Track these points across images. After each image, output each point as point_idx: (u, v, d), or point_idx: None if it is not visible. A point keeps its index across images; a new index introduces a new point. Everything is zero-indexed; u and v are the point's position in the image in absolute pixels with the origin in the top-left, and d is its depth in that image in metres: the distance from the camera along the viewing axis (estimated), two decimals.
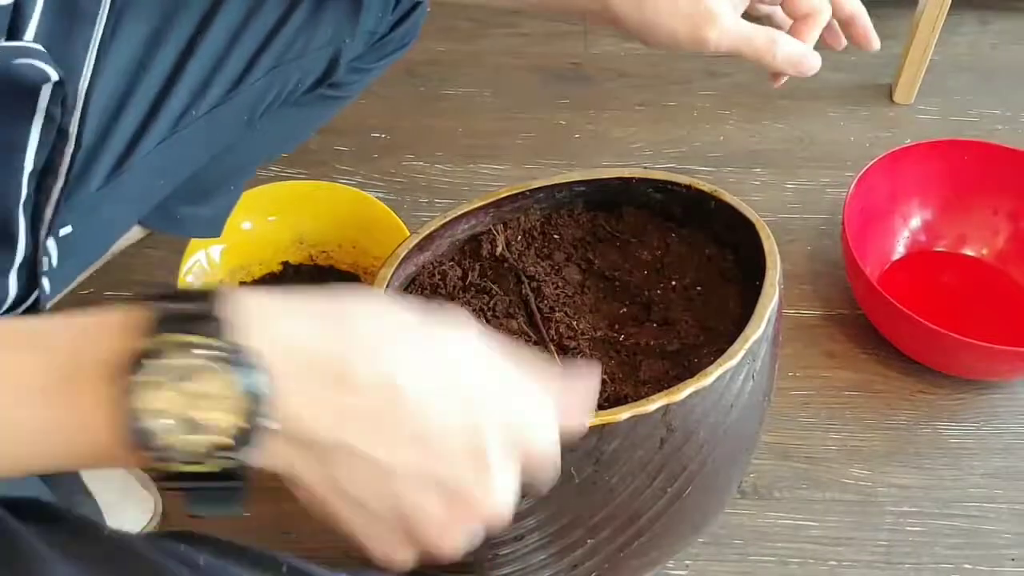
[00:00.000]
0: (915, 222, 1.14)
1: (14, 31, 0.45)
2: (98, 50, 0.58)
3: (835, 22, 0.71)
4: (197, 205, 0.76)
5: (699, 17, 0.62)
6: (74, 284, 0.73)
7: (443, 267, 0.79)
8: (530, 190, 0.80)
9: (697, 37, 0.63)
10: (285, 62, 0.67)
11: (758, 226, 0.76)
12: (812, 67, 0.66)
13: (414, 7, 0.73)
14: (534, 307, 0.77)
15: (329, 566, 0.90)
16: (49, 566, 0.42)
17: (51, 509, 0.49)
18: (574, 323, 0.76)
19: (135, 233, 0.76)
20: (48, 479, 0.79)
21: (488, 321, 0.76)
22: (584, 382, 0.47)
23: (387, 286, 0.74)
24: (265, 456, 0.40)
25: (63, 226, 0.59)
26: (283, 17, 0.65)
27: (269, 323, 0.40)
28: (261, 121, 0.69)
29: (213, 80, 0.64)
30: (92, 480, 0.85)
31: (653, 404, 0.65)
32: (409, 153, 1.24)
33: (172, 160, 0.65)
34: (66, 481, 0.84)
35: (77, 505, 0.83)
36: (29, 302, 0.57)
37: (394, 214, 0.96)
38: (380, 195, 0.99)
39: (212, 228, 0.81)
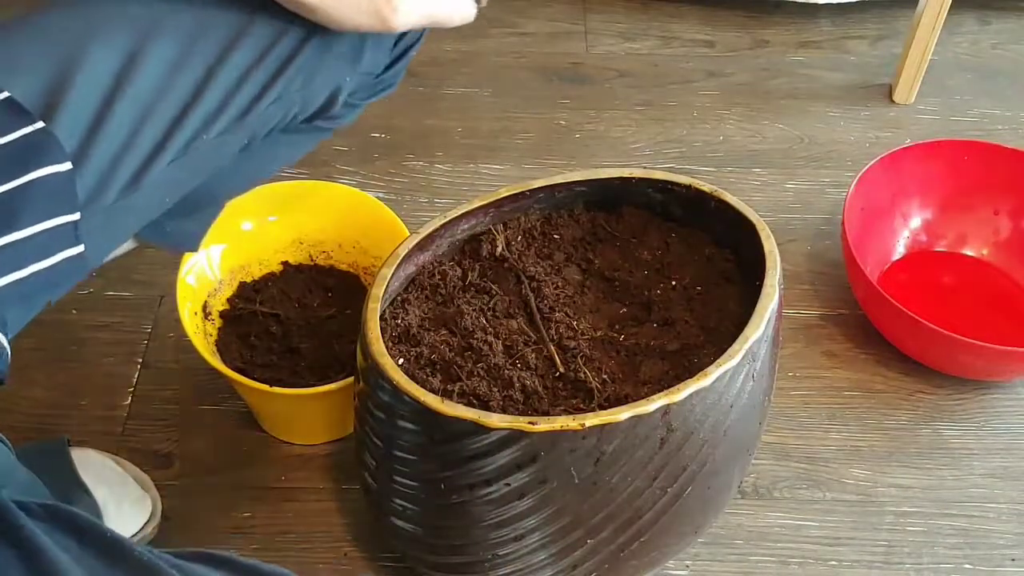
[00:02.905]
0: (915, 222, 1.14)
1: None
2: (119, 73, 0.61)
3: None
4: (183, 219, 0.79)
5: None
6: None
7: (443, 267, 0.79)
8: (530, 190, 0.80)
9: (383, 25, 0.66)
10: (289, 93, 0.70)
11: (758, 226, 0.76)
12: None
13: (403, 53, 0.78)
14: (534, 307, 0.77)
15: (329, 566, 0.90)
16: None
17: (78, 519, 0.49)
18: (574, 323, 0.76)
19: (124, 246, 0.79)
20: (47, 478, 0.79)
21: (488, 321, 0.76)
22: None
23: (387, 285, 0.74)
24: None
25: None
26: (294, 53, 0.68)
27: None
28: (255, 146, 0.72)
29: (226, 108, 0.67)
30: (90, 480, 0.85)
31: (653, 404, 0.65)
32: (409, 153, 1.24)
33: (179, 180, 0.68)
34: (64, 480, 0.84)
35: (74, 504, 0.83)
36: None
37: (394, 214, 0.96)
38: (380, 195, 0.99)
39: (193, 242, 0.84)
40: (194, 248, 0.86)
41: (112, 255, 0.73)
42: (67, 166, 0.58)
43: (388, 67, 0.77)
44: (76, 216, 0.59)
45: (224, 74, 0.66)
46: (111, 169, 0.62)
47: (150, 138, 0.64)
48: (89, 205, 0.61)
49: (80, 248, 0.60)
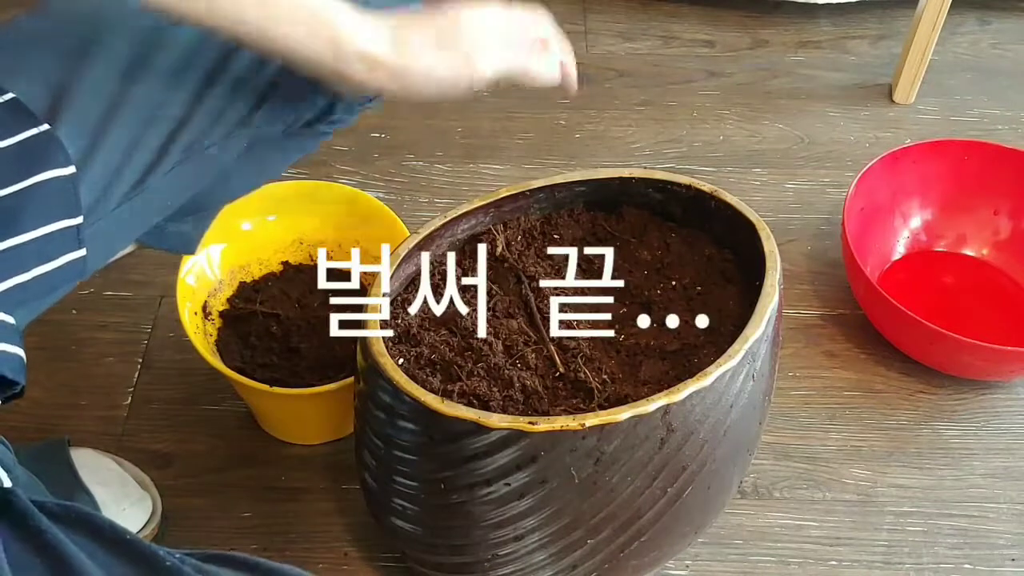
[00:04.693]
0: (915, 222, 1.14)
1: None
2: (123, 79, 0.62)
3: None
4: (183, 222, 0.79)
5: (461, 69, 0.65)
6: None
7: (443, 267, 0.79)
8: (530, 190, 0.80)
9: (462, 87, 0.66)
10: (290, 99, 0.71)
11: (758, 226, 0.76)
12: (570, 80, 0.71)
13: None
14: (534, 307, 0.77)
15: (329, 566, 0.90)
16: None
17: (96, 521, 0.50)
18: (574, 323, 0.76)
19: (125, 249, 0.79)
20: (47, 479, 0.79)
21: (488, 321, 0.76)
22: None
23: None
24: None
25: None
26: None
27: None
28: (256, 150, 0.73)
29: (226, 114, 0.68)
30: (90, 480, 0.85)
31: (653, 404, 0.65)
32: (409, 153, 1.24)
33: (181, 185, 0.69)
34: (64, 480, 0.84)
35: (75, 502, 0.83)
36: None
37: (394, 214, 0.96)
38: (380, 195, 0.99)
39: (191, 244, 0.84)
40: (192, 250, 0.86)
41: (113, 258, 0.73)
42: (71, 170, 0.59)
43: None
44: (79, 220, 0.59)
45: (224, 81, 0.67)
46: (114, 174, 0.62)
47: (153, 144, 0.64)
48: (92, 209, 0.61)
49: (82, 252, 0.60)
